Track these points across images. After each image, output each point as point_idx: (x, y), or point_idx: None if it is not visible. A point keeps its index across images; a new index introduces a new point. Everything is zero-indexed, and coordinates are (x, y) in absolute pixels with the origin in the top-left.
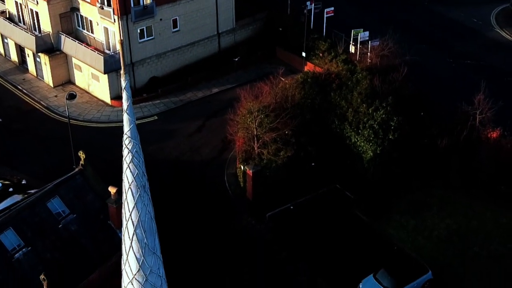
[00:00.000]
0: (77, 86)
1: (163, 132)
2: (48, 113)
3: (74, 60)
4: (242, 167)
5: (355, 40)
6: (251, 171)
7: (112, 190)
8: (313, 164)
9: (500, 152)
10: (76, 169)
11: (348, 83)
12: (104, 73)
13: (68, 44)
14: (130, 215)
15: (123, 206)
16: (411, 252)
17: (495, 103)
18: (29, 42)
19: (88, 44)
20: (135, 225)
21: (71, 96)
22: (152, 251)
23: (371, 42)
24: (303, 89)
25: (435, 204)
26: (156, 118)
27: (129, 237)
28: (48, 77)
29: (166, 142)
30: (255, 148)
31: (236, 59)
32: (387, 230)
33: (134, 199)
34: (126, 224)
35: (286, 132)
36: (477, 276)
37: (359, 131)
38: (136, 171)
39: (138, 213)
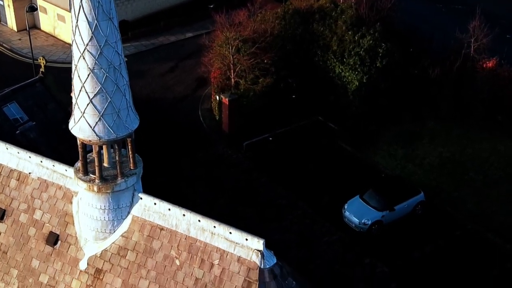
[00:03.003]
0: (42, 31)
1: (132, 72)
2: (12, 55)
3: (38, 2)
4: (217, 98)
5: None
6: (227, 99)
7: None
8: (294, 96)
9: (496, 80)
10: (36, 77)
11: (332, 13)
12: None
13: None
14: None
15: None
16: (401, 174)
17: (492, 30)
18: None
19: None
20: None
21: (31, 9)
22: (107, 16)
23: None
24: (283, 20)
25: (426, 134)
26: (126, 59)
27: None
28: (11, 21)
29: (135, 81)
30: (232, 78)
31: (212, 6)
32: (374, 159)
33: None
34: None
35: (265, 61)
36: (473, 200)
37: (344, 60)
38: None
39: None
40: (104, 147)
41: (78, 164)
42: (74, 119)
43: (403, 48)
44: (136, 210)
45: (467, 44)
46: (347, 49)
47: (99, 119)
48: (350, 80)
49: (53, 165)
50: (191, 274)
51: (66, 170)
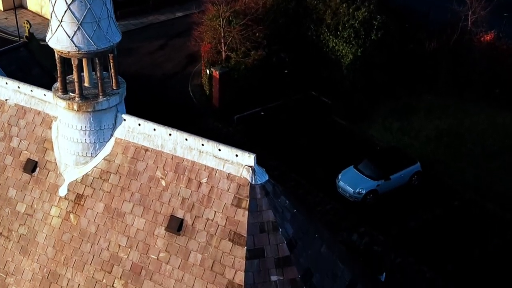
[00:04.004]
0: (29, 10)
1: (120, 49)
2: None
3: None
4: (208, 72)
5: None
6: (217, 73)
7: None
8: (286, 71)
9: (494, 53)
10: (20, 41)
11: None
12: None
13: None
14: None
15: None
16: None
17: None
18: None
19: None
20: None
21: None
22: None
23: None
24: None
25: (423, 108)
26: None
27: None
28: None
29: (123, 58)
30: (223, 51)
31: None
32: (368, 132)
33: None
34: None
35: (257, 34)
36: (472, 171)
37: (338, 33)
38: None
39: None
40: (84, 62)
41: (57, 83)
42: (51, 30)
43: (399, 21)
44: (119, 132)
45: (464, 16)
46: (341, 22)
47: (78, 28)
48: (344, 54)
49: (31, 90)
50: (178, 194)
51: (45, 95)
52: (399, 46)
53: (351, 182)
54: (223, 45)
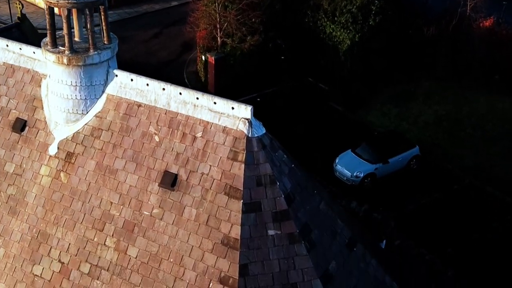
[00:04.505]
0: None
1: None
2: None
3: None
4: (203, 58)
5: None
6: (213, 58)
7: None
8: (283, 57)
9: (493, 39)
10: (12, 22)
11: None
12: None
13: None
14: None
15: None
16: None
17: None
18: None
19: None
20: None
21: None
22: None
23: None
24: None
25: (421, 94)
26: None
27: None
28: None
29: (118, 46)
30: (218, 37)
31: None
32: (366, 118)
33: None
34: None
35: (253, 19)
36: (471, 155)
37: (335, 18)
38: None
39: None
40: (74, 15)
41: (46, 38)
42: None
43: (397, 7)
44: (111, 88)
45: (463, 2)
46: (338, 8)
47: None
48: (342, 40)
49: (20, 48)
50: (172, 150)
51: (34, 53)
52: (397, 32)
53: (349, 166)
54: (218, 30)
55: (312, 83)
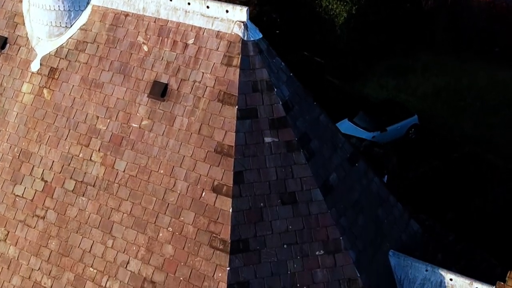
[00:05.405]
0: None
1: None
2: None
3: None
4: None
5: None
6: None
7: None
8: (277, 31)
9: (493, 11)
10: None
11: None
12: None
13: None
14: None
15: None
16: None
17: None
18: None
19: None
20: None
21: None
22: None
23: None
24: None
25: (420, 66)
26: None
27: None
28: None
29: None
30: None
31: None
32: (363, 90)
33: None
34: None
35: None
36: (471, 125)
37: None
38: None
39: None
40: None
41: None
42: None
43: None
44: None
45: None
46: None
47: None
48: (338, 13)
49: None
50: (161, 59)
51: None
52: (395, 4)
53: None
54: None
55: (307, 57)
